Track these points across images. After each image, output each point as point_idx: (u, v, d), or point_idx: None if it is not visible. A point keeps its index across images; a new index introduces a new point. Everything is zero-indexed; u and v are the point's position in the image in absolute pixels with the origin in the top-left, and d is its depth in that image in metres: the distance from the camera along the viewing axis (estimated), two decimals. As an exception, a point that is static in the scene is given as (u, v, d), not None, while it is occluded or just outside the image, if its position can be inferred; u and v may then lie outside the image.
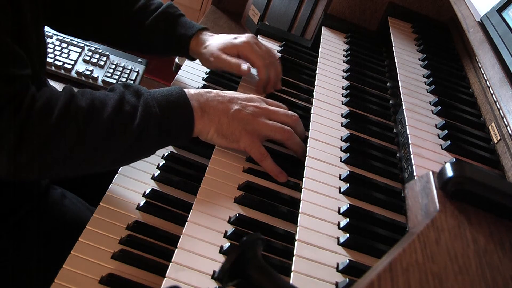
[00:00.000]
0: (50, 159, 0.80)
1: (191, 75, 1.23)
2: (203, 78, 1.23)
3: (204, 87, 1.19)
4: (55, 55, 1.47)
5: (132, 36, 1.17)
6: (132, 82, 1.50)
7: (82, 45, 1.54)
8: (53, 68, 1.44)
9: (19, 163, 0.79)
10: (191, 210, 0.83)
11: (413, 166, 0.90)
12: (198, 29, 1.15)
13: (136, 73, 1.54)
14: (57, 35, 1.54)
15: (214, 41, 1.14)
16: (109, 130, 0.82)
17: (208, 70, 1.24)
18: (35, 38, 0.91)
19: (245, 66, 1.10)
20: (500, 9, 1.06)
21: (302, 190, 0.87)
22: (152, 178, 0.93)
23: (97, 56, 1.52)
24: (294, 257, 0.75)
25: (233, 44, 1.13)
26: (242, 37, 1.14)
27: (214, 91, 0.94)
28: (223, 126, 0.92)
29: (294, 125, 0.97)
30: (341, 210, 0.86)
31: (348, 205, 0.86)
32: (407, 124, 1.00)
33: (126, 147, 0.84)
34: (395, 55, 1.24)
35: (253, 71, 1.17)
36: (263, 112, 0.95)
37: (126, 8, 1.15)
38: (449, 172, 0.63)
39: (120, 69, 1.52)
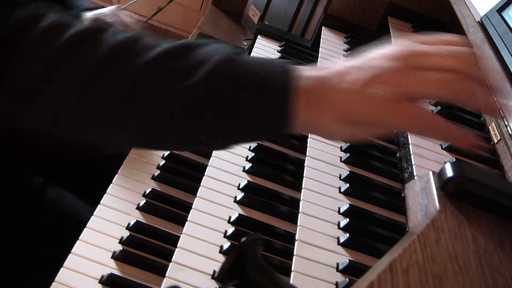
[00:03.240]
0: (49, 96, 0.58)
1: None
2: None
3: None
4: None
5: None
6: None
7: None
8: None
9: (13, 96, 0.59)
10: (191, 210, 0.83)
11: (413, 166, 0.90)
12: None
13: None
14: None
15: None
16: (142, 73, 0.57)
17: None
18: None
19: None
20: (500, 9, 1.06)
21: (302, 190, 0.87)
22: (152, 178, 0.93)
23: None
24: (294, 257, 0.75)
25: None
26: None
27: (337, 65, 0.59)
28: (344, 105, 0.57)
29: (467, 69, 0.58)
30: (341, 210, 0.86)
31: (348, 205, 0.86)
32: (407, 124, 1.00)
33: (162, 107, 0.57)
34: (395, 55, 1.24)
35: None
36: (406, 59, 0.57)
37: None
38: (449, 172, 0.63)
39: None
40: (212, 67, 0.57)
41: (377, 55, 0.59)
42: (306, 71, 0.58)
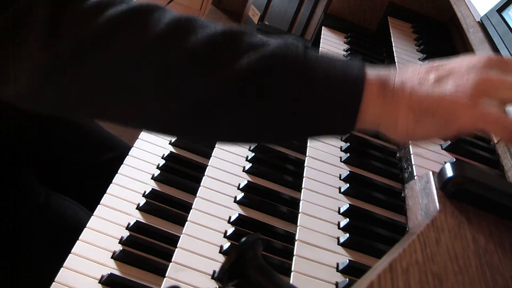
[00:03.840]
0: (88, 71, 0.54)
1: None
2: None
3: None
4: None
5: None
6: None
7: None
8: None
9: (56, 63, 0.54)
10: (191, 210, 0.83)
11: (413, 166, 0.90)
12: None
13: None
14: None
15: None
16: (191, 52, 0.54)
17: None
18: None
19: None
20: (500, 9, 1.06)
21: (302, 190, 0.87)
22: (152, 178, 0.93)
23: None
24: (294, 257, 0.75)
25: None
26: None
27: (412, 66, 0.59)
28: (421, 97, 0.55)
29: None
30: (341, 210, 0.86)
31: (348, 205, 0.86)
32: (407, 124, 1.00)
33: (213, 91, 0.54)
34: (395, 55, 1.24)
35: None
36: (498, 66, 0.57)
37: None
38: (449, 172, 0.63)
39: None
40: (273, 52, 0.54)
41: (459, 62, 0.57)
42: (376, 69, 0.58)
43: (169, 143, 1.01)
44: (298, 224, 0.81)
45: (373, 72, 0.57)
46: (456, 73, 0.56)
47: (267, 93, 0.55)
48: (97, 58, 0.54)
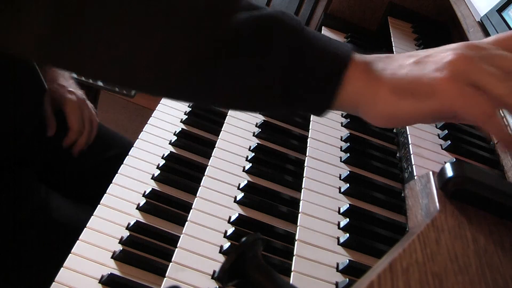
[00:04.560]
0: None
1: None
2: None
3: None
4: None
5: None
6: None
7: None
8: (53, 68, 1.44)
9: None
10: (191, 210, 0.83)
11: (413, 166, 0.90)
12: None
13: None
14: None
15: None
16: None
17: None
18: None
19: None
20: (500, 9, 1.06)
21: (302, 190, 0.87)
22: (152, 178, 0.93)
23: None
24: (294, 257, 0.76)
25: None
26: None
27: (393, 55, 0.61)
28: (401, 77, 0.56)
29: None
30: (341, 210, 0.86)
31: (348, 205, 0.86)
32: (407, 124, 1.00)
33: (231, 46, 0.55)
34: (395, 55, 1.24)
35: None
36: (470, 50, 0.56)
37: None
38: (449, 172, 0.63)
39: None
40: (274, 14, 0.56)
41: (440, 47, 0.58)
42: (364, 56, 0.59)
43: (169, 143, 1.01)
44: (298, 224, 0.81)
45: (360, 54, 0.59)
46: (436, 54, 0.57)
47: (264, 49, 0.56)
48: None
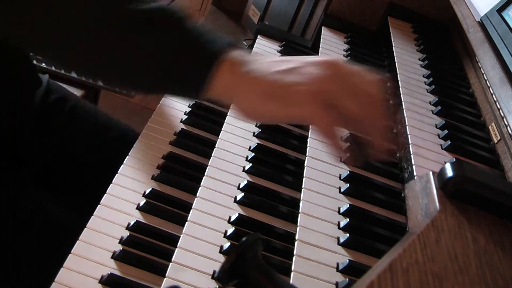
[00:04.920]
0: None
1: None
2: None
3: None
4: (55, 55, 1.46)
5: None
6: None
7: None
8: (53, 68, 1.44)
9: None
10: (191, 210, 0.83)
11: (413, 166, 0.90)
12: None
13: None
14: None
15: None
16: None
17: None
18: None
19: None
20: (500, 9, 1.06)
21: (302, 190, 0.87)
22: (152, 178, 0.93)
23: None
24: (294, 257, 0.76)
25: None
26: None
27: (272, 56, 0.69)
28: (275, 81, 0.62)
29: (379, 105, 0.64)
30: (341, 210, 0.86)
31: (348, 205, 0.86)
32: (407, 124, 1.00)
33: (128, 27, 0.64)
34: (395, 55, 1.24)
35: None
36: (337, 69, 0.63)
37: None
38: (449, 172, 0.63)
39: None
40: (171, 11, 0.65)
41: (312, 59, 0.65)
42: (242, 50, 0.66)
43: (169, 143, 1.01)
44: (298, 224, 0.81)
45: (237, 51, 0.65)
46: (306, 66, 0.63)
47: (149, 36, 0.64)
48: None
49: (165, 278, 0.73)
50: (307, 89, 0.61)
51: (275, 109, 0.63)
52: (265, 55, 0.67)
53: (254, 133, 1.03)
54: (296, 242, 0.78)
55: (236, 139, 1.01)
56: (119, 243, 0.82)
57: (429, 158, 0.93)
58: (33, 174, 1.08)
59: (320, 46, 1.32)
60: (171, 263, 0.75)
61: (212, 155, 0.95)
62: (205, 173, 0.91)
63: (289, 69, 0.64)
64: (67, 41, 0.66)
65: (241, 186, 0.90)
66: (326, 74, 0.62)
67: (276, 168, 0.96)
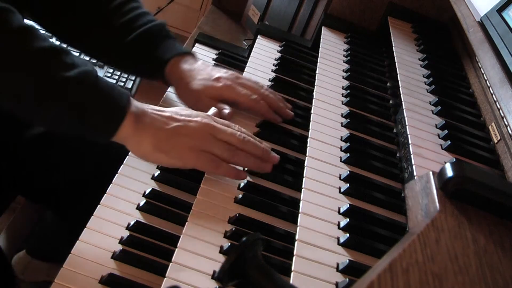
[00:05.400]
0: None
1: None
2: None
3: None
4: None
5: (111, 51, 1.08)
6: (132, 82, 1.50)
7: (82, 45, 1.53)
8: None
9: None
10: (191, 210, 0.83)
11: (413, 166, 0.90)
12: (175, 53, 1.05)
13: (136, 73, 1.54)
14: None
15: (194, 77, 1.03)
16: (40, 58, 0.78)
17: None
18: None
19: (226, 111, 1.01)
20: (500, 9, 1.06)
21: (302, 190, 0.87)
22: (152, 178, 0.93)
23: (97, 56, 1.52)
24: (294, 257, 0.76)
25: (216, 88, 1.02)
26: (224, 79, 1.03)
27: (160, 110, 0.88)
28: (161, 140, 0.84)
29: (242, 146, 0.90)
30: (341, 210, 0.86)
31: (348, 205, 0.86)
32: (407, 124, 1.00)
33: (32, 87, 0.77)
34: (395, 55, 1.24)
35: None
36: (208, 128, 0.88)
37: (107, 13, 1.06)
38: (449, 172, 0.63)
39: (120, 69, 1.52)
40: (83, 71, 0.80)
41: (193, 116, 0.88)
42: (140, 104, 0.85)
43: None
44: (298, 224, 0.81)
45: (135, 105, 0.83)
46: (186, 127, 0.86)
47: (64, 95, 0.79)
48: None
49: (165, 278, 0.73)
50: (185, 146, 0.85)
51: (162, 158, 0.86)
52: (151, 107, 0.88)
53: (254, 133, 1.03)
54: (296, 242, 0.78)
55: (236, 139, 1.00)
56: (119, 243, 0.82)
57: (429, 158, 0.93)
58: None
59: (320, 46, 1.32)
60: (171, 263, 0.75)
61: (212, 155, 0.95)
62: (205, 173, 0.91)
63: (175, 129, 0.85)
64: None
65: (241, 186, 0.90)
66: (201, 133, 0.86)
67: (276, 168, 0.96)
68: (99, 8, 1.06)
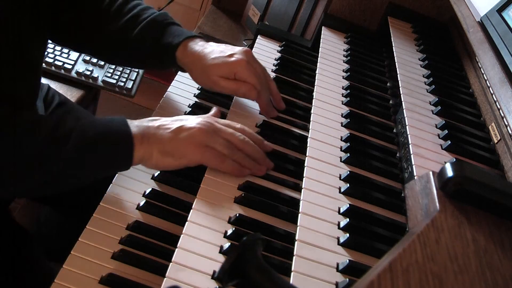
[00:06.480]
0: None
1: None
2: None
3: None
4: (55, 55, 1.47)
5: (120, 50, 1.09)
6: (132, 82, 1.50)
7: (82, 45, 1.53)
8: (53, 68, 1.44)
9: None
10: (191, 210, 0.83)
11: (413, 166, 0.90)
12: (185, 37, 1.04)
13: (136, 73, 1.54)
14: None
15: (207, 57, 1.03)
16: (41, 152, 0.80)
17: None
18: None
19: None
20: (500, 9, 1.06)
21: (302, 190, 0.87)
22: (152, 178, 0.93)
23: (97, 56, 1.52)
24: (294, 257, 0.76)
25: (228, 65, 1.02)
26: (238, 55, 1.03)
27: (159, 119, 0.90)
28: (165, 144, 0.86)
29: (241, 147, 0.91)
30: (341, 210, 0.86)
31: (348, 205, 0.86)
32: (407, 124, 1.00)
33: (57, 170, 0.80)
34: (395, 55, 1.24)
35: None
36: (209, 125, 0.89)
37: (111, 18, 1.07)
38: (449, 172, 0.63)
39: (120, 69, 1.52)
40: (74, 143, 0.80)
41: (193, 118, 0.90)
42: (138, 123, 0.87)
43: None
44: (298, 224, 0.81)
45: (134, 126, 0.85)
46: (186, 129, 0.87)
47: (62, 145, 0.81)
48: None
49: (165, 278, 0.73)
50: (189, 143, 0.87)
51: (170, 162, 0.87)
52: (147, 119, 0.89)
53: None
54: (296, 242, 0.78)
55: (236, 139, 1.00)
56: (119, 243, 0.82)
57: (429, 158, 0.93)
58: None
59: (320, 46, 1.32)
60: (171, 263, 0.75)
61: (212, 155, 0.95)
62: (205, 173, 0.91)
63: (175, 131, 0.87)
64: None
65: (241, 186, 0.90)
66: (200, 129, 0.88)
67: (276, 168, 0.96)
68: (103, 11, 1.06)
